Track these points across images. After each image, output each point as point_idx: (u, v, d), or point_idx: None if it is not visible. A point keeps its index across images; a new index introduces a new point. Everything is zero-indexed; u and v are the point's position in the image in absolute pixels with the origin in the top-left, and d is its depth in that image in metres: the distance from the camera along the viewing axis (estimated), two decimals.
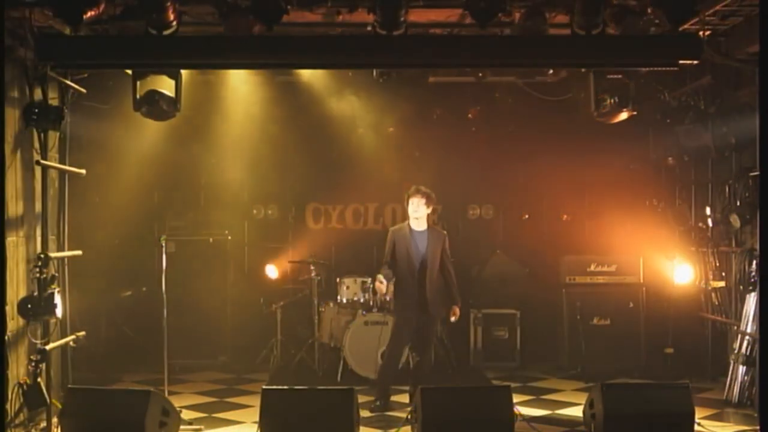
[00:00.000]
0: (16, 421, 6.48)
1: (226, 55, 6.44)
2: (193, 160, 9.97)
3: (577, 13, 6.28)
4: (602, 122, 7.31)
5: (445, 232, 7.86)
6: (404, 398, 7.90)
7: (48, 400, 6.60)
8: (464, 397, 6.18)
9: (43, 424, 6.67)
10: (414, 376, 7.77)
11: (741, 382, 7.68)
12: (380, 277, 7.45)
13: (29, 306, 6.51)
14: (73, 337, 7.37)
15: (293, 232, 10.57)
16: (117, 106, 8.18)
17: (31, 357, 6.62)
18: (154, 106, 6.74)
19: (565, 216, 10.51)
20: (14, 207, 6.64)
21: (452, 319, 7.72)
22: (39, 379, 6.56)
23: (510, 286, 9.86)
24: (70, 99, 7.45)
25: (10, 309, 6.39)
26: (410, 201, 7.58)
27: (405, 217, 7.87)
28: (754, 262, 7.40)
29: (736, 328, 7.96)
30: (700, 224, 8.89)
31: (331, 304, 9.20)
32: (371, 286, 8.87)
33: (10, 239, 6.53)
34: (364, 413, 7.08)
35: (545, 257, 9.89)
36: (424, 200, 7.55)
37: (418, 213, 7.56)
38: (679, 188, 9.72)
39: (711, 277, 8.54)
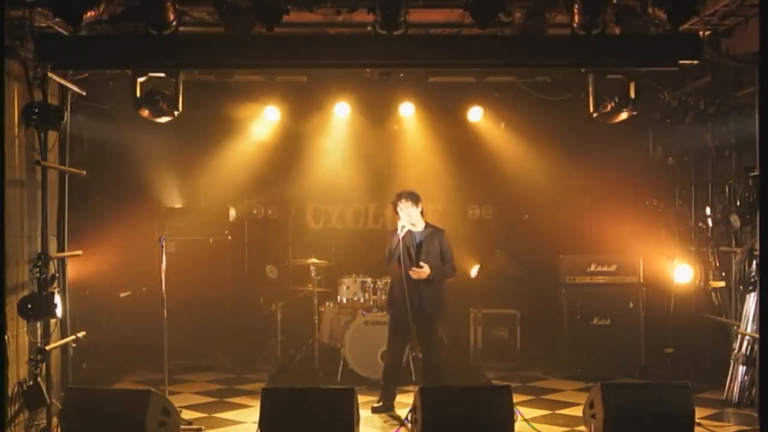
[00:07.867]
0: (16, 421, 6.47)
1: (226, 55, 6.45)
2: (194, 160, 9.95)
3: (577, 13, 6.28)
4: (602, 122, 7.31)
5: (443, 228, 7.76)
6: (406, 398, 7.88)
7: (48, 400, 6.60)
8: (464, 397, 6.17)
9: (43, 424, 6.67)
10: (423, 376, 7.74)
11: (741, 382, 7.68)
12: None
13: (29, 306, 6.50)
14: (73, 337, 7.37)
15: (293, 232, 10.57)
16: (117, 106, 8.17)
17: (31, 357, 6.61)
18: (154, 106, 6.75)
19: (565, 215, 10.49)
20: (14, 207, 6.63)
21: (412, 275, 7.45)
22: (39, 379, 6.56)
23: (510, 286, 9.87)
24: (70, 99, 7.45)
25: (10, 309, 6.39)
26: (399, 208, 7.51)
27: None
28: (754, 262, 7.39)
29: (736, 328, 7.96)
30: (700, 224, 8.89)
31: (331, 304, 9.20)
32: (372, 285, 8.88)
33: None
34: (364, 413, 7.08)
35: (545, 257, 9.89)
36: (410, 203, 7.51)
37: (412, 217, 7.53)
38: (679, 188, 9.71)
39: (711, 277, 8.53)
